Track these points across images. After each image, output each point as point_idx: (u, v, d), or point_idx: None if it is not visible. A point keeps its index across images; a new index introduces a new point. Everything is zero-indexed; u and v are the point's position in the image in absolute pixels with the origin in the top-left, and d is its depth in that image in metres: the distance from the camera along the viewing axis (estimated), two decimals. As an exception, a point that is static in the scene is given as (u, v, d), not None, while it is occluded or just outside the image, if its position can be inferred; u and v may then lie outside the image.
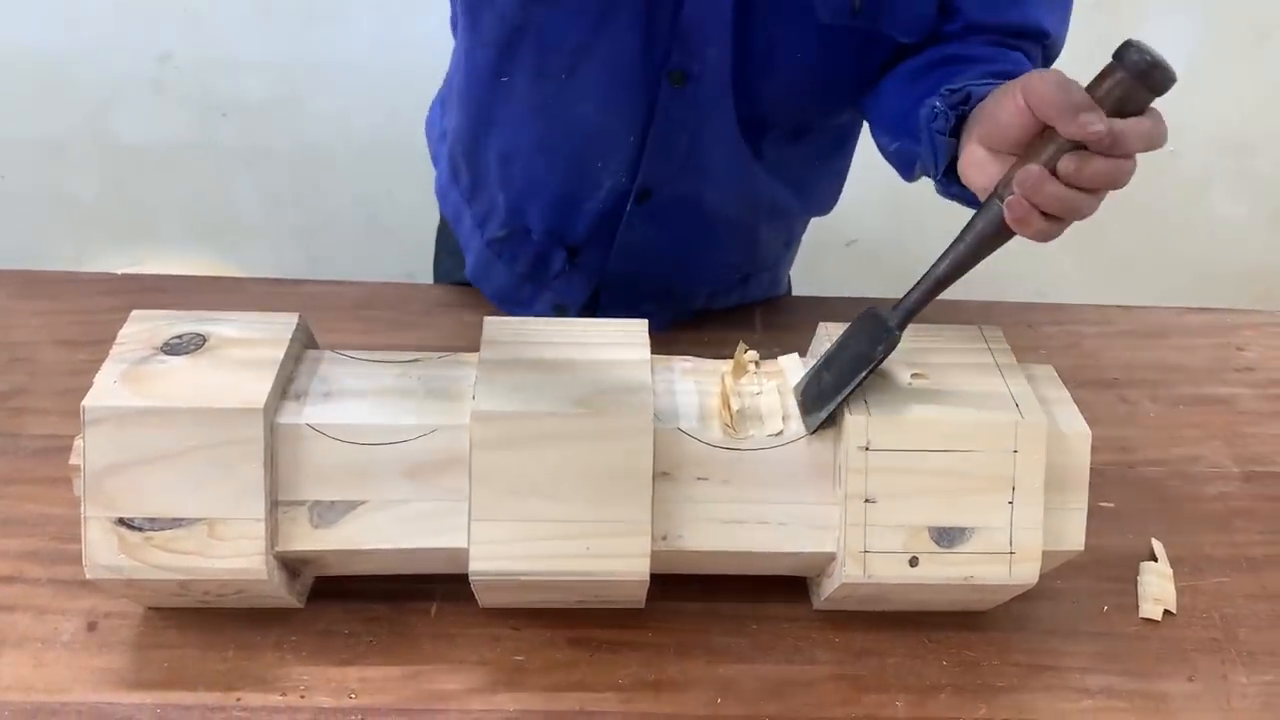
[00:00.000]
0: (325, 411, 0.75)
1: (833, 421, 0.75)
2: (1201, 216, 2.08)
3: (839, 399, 0.74)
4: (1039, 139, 0.70)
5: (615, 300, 1.10)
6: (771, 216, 1.11)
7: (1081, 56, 2.08)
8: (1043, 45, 0.93)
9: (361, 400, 0.77)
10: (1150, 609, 0.84)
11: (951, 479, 0.74)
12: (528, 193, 1.04)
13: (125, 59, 1.93)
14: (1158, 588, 0.86)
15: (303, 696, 0.76)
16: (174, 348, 0.77)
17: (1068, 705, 0.78)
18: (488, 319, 0.82)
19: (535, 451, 0.73)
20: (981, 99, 0.76)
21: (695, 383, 0.80)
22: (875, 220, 2.10)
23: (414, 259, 1.84)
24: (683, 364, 0.83)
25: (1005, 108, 0.71)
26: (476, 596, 0.78)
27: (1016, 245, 1.93)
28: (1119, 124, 0.66)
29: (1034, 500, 0.74)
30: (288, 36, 1.90)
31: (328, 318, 1.09)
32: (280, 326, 0.80)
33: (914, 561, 0.74)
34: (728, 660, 0.79)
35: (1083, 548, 0.77)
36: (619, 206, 1.01)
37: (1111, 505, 0.93)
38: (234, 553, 0.73)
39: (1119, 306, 1.18)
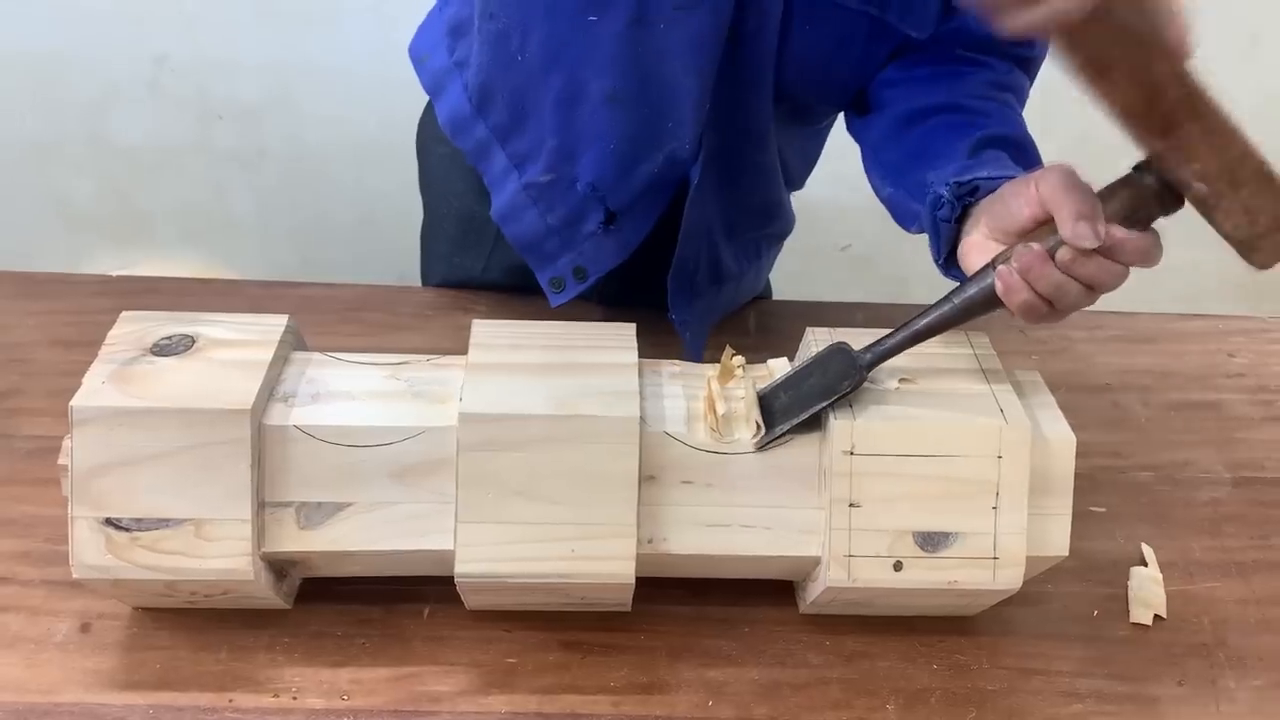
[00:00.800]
0: (313, 413, 0.75)
1: (783, 439, 0.76)
2: (1193, 221, 2.08)
3: (790, 424, 0.75)
4: (1045, 225, 0.74)
5: (679, 290, 1.05)
6: (779, 203, 1.11)
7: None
8: (1030, 59, 0.96)
9: (349, 402, 0.77)
10: (1140, 614, 0.84)
11: (936, 483, 0.74)
12: (585, 142, 0.98)
13: (121, 61, 1.93)
14: (1148, 592, 0.86)
15: (295, 698, 0.76)
16: (163, 349, 0.77)
17: (1058, 709, 0.78)
18: (476, 321, 0.82)
19: (522, 454, 0.73)
20: (989, 193, 0.80)
21: (683, 386, 0.80)
22: (869, 225, 2.09)
23: (406, 262, 1.84)
24: (670, 368, 0.83)
25: (1019, 198, 0.75)
26: (463, 598, 0.78)
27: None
28: (1118, 234, 0.71)
29: (1018, 505, 0.74)
30: (283, 39, 1.90)
31: (320, 319, 1.09)
32: (269, 328, 0.80)
33: (898, 566, 0.74)
34: (719, 663, 0.79)
35: (1067, 553, 0.77)
36: (671, 175, 0.98)
37: (1102, 510, 0.94)
38: (221, 553, 0.73)
39: (1110, 312, 1.18)
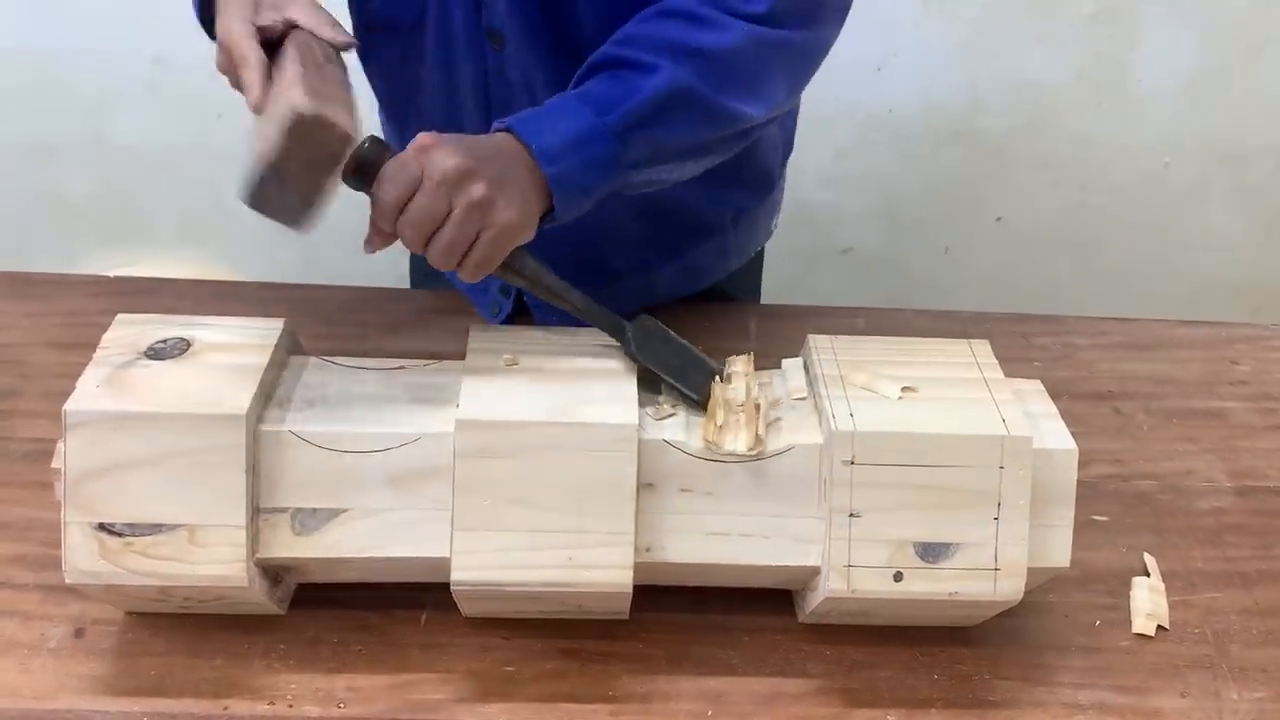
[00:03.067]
0: (308, 418, 0.75)
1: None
2: (1196, 229, 2.08)
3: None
4: None
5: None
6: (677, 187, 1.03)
7: (1079, 69, 2.09)
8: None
9: (345, 407, 0.76)
10: (1143, 624, 0.84)
11: (937, 494, 0.73)
12: None
13: (119, 60, 1.92)
14: (1150, 603, 0.85)
15: (291, 706, 0.75)
16: (158, 352, 0.77)
17: (1058, 720, 0.77)
18: (474, 327, 0.82)
19: (519, 461, 0.73)
20: None
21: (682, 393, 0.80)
22: (870, 228, 2.09)
23: (406, 264, 1.84)
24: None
25: None
26: (459, 606, 0.77)
27: (1010, 257, 1.93)
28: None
29: (1020, 516, 0.73)
30: (283, 39, 1.89)
31: (318, 322, 1.08)
32: (265, 332, 0.80)
33: (898, 576, 0.74)
34: (718, 672, 0.79)
35: (1068, 564, 0.76)
36: None
37: (1105, 519, 0.93)
38: (214, 559, 0.72)
39: (1113, 318, 1.18)
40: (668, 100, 0.81)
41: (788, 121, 1.14)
